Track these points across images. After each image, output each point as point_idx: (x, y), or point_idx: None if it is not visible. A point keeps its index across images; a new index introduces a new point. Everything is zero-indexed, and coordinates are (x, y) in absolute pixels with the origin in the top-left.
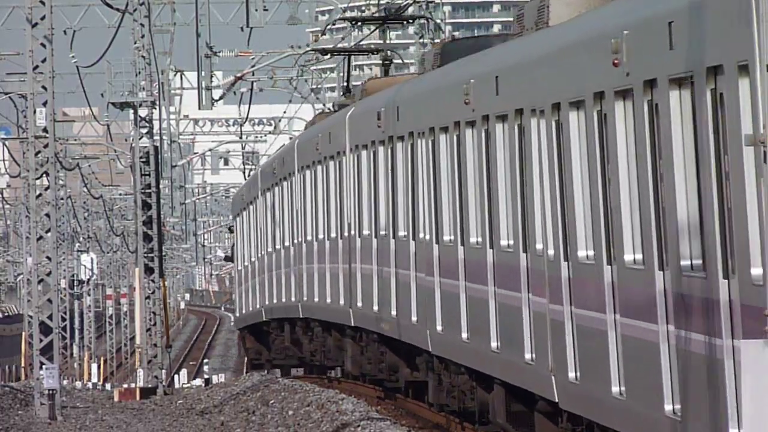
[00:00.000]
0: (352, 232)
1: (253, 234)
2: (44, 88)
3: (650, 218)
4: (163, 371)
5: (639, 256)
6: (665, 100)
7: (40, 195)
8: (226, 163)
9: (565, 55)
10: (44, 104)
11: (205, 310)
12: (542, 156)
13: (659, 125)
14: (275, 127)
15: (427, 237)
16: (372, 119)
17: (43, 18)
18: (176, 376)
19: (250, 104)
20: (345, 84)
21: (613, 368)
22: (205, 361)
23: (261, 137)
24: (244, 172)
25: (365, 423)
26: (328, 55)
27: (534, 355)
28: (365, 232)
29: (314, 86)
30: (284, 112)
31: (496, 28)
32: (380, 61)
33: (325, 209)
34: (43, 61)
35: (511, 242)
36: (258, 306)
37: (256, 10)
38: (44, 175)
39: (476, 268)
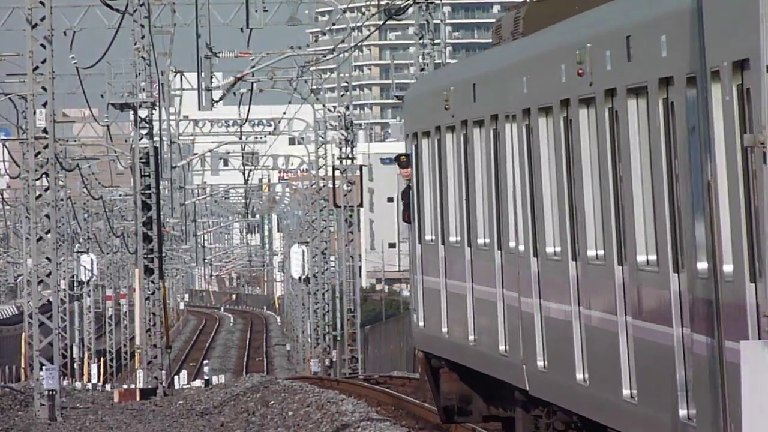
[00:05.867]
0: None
1: (477, 190)
2: (44, 88)
3: None
4: (163, 372)
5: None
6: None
7: (40, 196)
8: (226, 164)
9: None
10: (44, 105)
11: (205, 311)
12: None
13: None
14: (275, 128)
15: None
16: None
17: (43, 19)
18: (176, 377)
19: (250, 105)
20: None
21: None
22: (205, 362)
23: (261, 138)
24: (244, 173)
25: (365, 424)
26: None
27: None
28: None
29: (314, 87)
30: (284, 113)
31: None
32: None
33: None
34: (43, 62)
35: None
36: (490, 341)
37: (256, 11)
38: (44, 176)
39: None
